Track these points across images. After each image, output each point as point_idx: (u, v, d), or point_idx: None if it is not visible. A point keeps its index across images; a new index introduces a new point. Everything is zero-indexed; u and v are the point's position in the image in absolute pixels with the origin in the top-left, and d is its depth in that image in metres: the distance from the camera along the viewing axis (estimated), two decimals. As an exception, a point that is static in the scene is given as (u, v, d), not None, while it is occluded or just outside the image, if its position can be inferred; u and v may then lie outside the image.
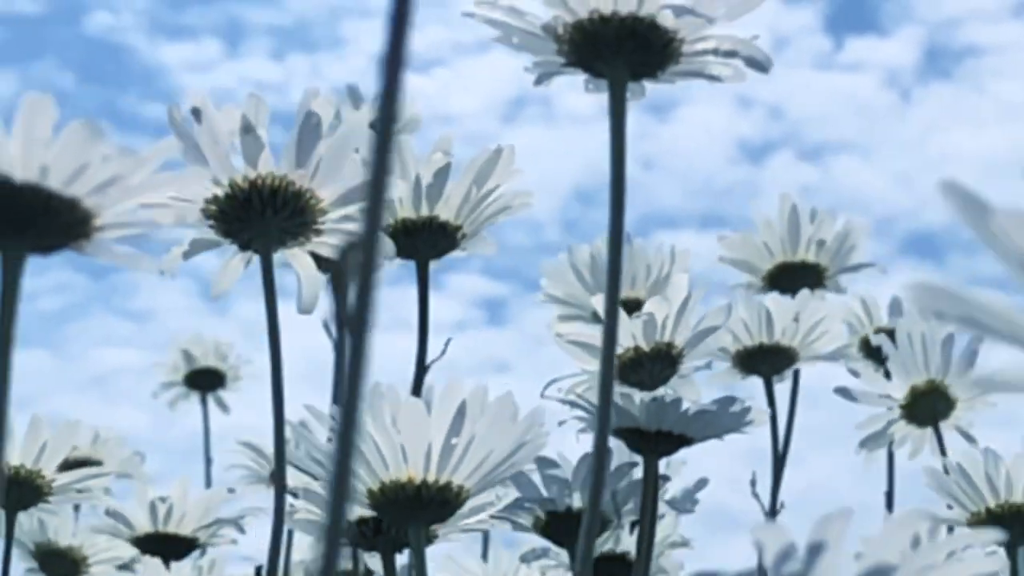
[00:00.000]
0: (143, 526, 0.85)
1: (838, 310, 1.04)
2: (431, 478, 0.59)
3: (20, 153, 0.40)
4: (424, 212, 0.73)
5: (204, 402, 1.47)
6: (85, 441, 1.24)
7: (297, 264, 0.61)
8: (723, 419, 0.72)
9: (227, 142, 0.58)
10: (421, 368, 0.72)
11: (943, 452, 0.98)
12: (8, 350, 0.41)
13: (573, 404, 0.72)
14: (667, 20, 0.52)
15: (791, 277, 1.13)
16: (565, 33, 0.52)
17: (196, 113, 0.57)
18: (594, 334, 0.77)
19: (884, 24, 3.52)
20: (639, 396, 0.71)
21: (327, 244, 0.60)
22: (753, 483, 0.98)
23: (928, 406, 0.98)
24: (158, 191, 0.42)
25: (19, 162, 0.40)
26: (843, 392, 0.98)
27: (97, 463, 1.21)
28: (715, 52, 0.53)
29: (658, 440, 0.71)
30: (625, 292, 1.05)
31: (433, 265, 0.74)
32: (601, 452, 0.51)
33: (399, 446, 0.58)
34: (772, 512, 1.02)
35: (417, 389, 0.73)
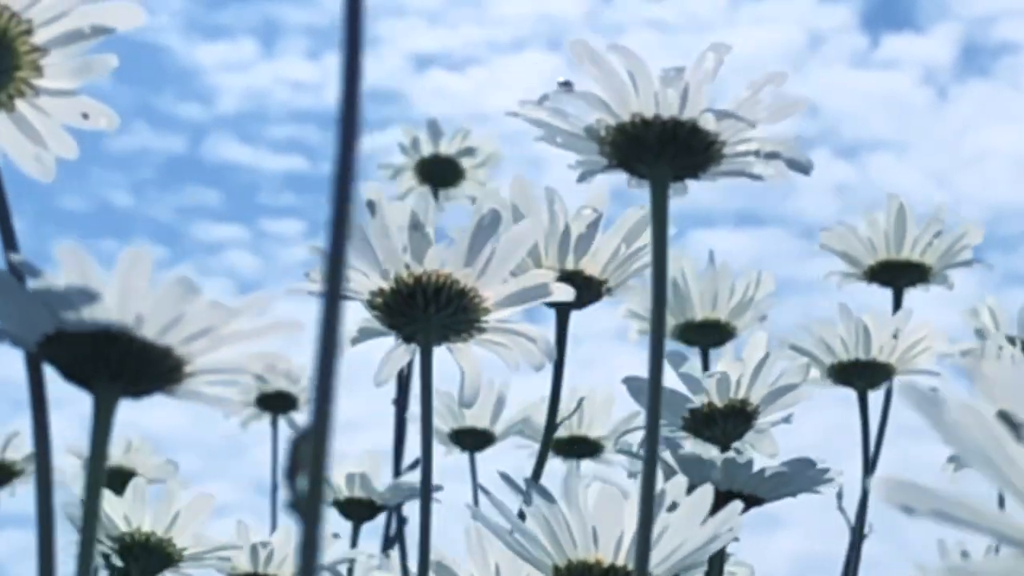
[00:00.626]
0: (243, 566, 0.87)
1: (940, 329, 1.03)
2: (620, 562, 0.60)
3: (117, 302, 0.43)
4: (570, 266, 0.72)
5: (275, 424, 1.46)
6: (118, 450, 1.25)
7: (460, 358, 0.63)
8: (798, 481, 0.73)
9: (397, 236, 0.60)
10: (552, 424, 0.74)
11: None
12: (99, 488, 0.43)
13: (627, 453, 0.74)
14: (709, 123, 0.53)
15: (893, 273, 1.13)
16: (608, 135, 0.53)
17: (371, 206, 0.60)
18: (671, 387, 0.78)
19: (920, 21, 3.45)
20: (711, 454, 0.73)
21: (491, 341, 0.62)
22: (840, 496, 0.98)
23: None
24: (247, 341, 0.44)
25: (116, 311, 0.43)
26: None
27: (130, 472, 1.23)
28: (757, 154, 0.54)
29: (729, 500, 0.73)
30: (705, 313, 1.07)
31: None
32: (647, 503, 0.52)
33: (591, 529, 0.60)
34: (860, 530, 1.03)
35: (547, 442, 0.74)
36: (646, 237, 0.72)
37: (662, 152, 0.53)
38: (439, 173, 1.40)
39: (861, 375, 0.99)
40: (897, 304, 1.14)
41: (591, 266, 0.73)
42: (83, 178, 3.34)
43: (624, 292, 0.76)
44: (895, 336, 1.00)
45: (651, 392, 0.53)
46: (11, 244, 0.49)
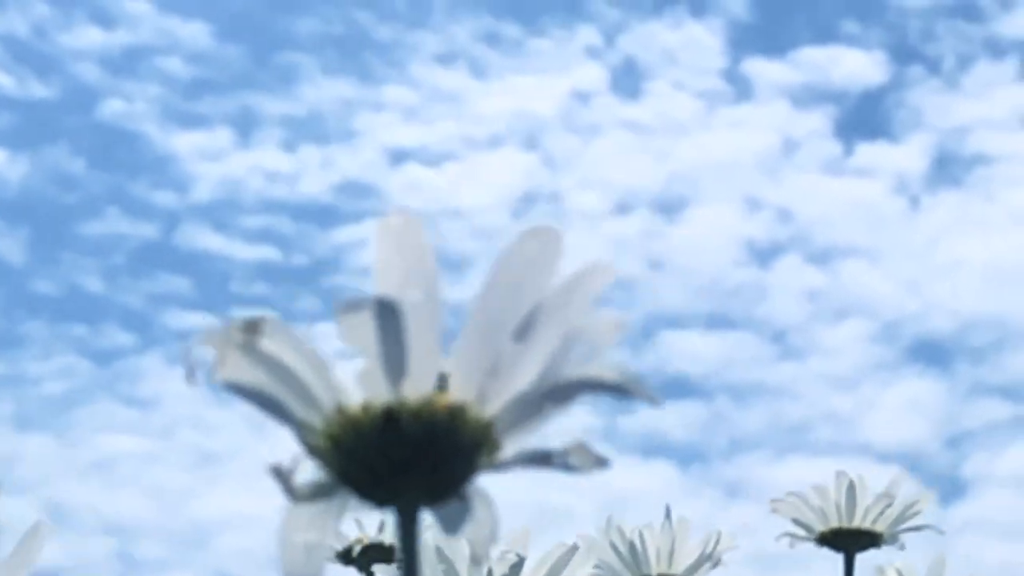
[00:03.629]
0: None
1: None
2: None
3: None
4: None
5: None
6: None
7: None
8: None
9: None
10: None
11: None
12: None
13: None
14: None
15: (845, 539, 1.18)
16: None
17: None
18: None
19: (894, 130, 3.58)
20: None
21: None
22: None
23: None
24: None
25: None
26: None
27: None
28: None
29: None
30: (661, 569, 1.12)
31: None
32: None
33: None
34: None
35: None
36: (569, 570, 0.78)
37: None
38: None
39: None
40: (848, 566, 1.19)
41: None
42: (55, 263, 3.36)
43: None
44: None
45: None
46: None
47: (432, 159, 3.57)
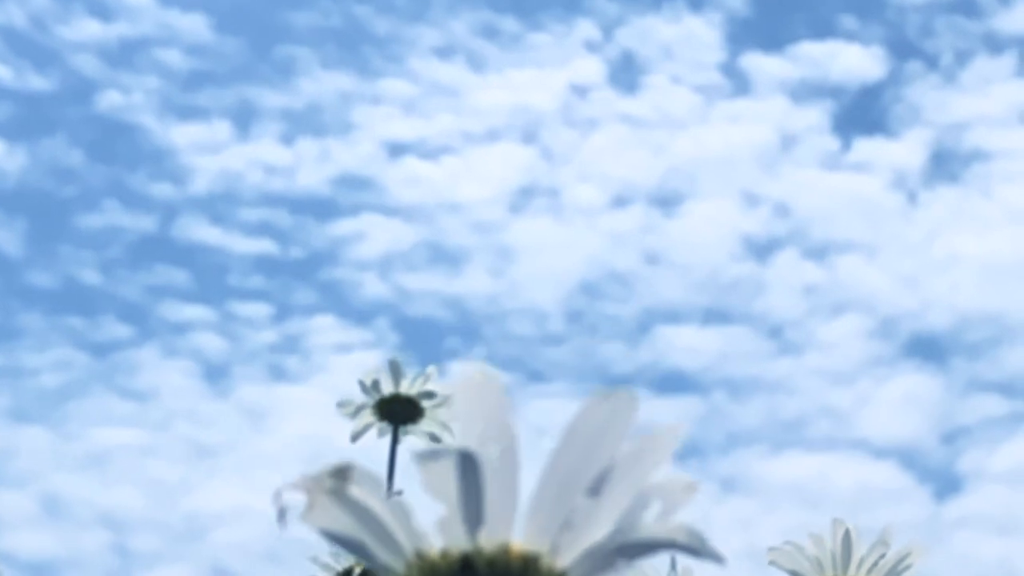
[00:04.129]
0: None
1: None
2: None
3: None
4: None
5: None
6: None
7: None
8: None
9: None
10: None
11: None
12: None
13: None
14: None
15: (840, 589, 1.20)
16: None
17: None
18: None
19: (892, 126, 3.60)
20: None
21: None
22: None
23: None
24: None
25: None
26: None
27: None
28: None
29: None
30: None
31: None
32: None
33: None
34: None
35: None
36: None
37: None
38: (399, 411, 1.46)
39: None
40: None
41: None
42: (52, 255, 3.37)
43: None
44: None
45: None
46: None
47: (430, 152, 3.60)
